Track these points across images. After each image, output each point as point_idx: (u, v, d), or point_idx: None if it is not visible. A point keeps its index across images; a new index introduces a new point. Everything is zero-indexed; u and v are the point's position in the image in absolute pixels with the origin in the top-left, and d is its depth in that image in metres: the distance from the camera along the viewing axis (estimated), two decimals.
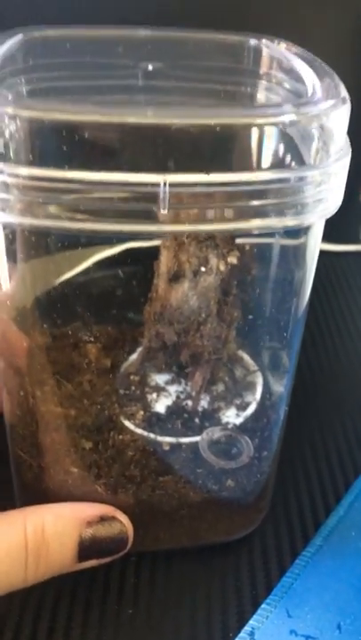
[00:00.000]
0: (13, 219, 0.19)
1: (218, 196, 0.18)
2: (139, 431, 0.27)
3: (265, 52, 0.26)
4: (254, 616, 0.26)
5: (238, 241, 0.24)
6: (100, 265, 0.28)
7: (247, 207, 0.19)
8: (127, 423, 0.27)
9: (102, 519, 0.23)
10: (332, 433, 0.34)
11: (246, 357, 0.27)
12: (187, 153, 0.18)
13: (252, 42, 0.26)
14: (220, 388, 0.27)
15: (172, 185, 0.17)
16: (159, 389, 0.27)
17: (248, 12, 0.40)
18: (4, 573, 0.22)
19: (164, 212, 0.18)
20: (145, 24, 0.27)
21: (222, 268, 0.23)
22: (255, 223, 0.19)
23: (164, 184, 0.17)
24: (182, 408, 0.27)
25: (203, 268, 0.24)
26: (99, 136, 0.19)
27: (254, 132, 0.19)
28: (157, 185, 0.17)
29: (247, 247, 0.23)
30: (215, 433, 0.27)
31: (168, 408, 0.27)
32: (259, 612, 0.26)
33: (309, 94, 0.21)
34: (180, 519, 0.26)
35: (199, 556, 0.28)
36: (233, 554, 0.28)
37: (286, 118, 0.19)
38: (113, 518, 0.23)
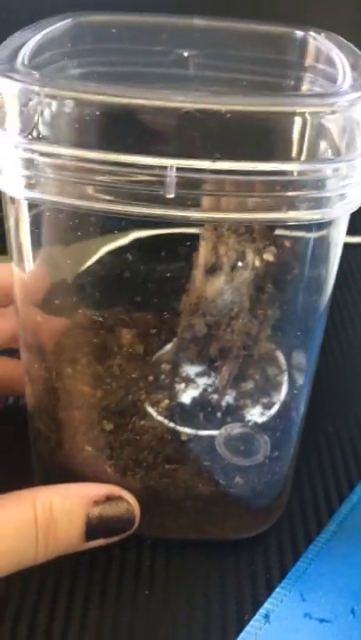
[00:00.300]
0: (36, 194, 0.19)
1: (228, 184, 0.18)
2: (160, 419, 0.27)
3: (311, 44, 0.25)
4: (269, 599, 0.27)
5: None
6: (142, 251, 0.28)
7: (261, 198, 0.19)
8: (150, 410, 0.27)
9: (109, 498, 0.24)
10: (346, 423, 0.35)
11: (280, 357, 0.28)
12: (214, 138, 0.18)
13: (299, 34, 0.26)
14: (250, 385, 0.27)
15: (179, 169, 0.18)
16: (188, 380, 0.28)
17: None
18: (15, 549, 0.22)
19: (170, 196, 0.18)
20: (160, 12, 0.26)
21: (258, 263, 0.23)
22: (273, 215, 0.19)
23: (171, 168, 0.18)
24: (208, 401, 0.27)
25: (240, 263, 0.24)
26: (125, 117, 0.19)
27: (277, 121, 0.19)
28: (164, 168, 0.18)
29: (287, 244, 0.23)
30: (234, 429, 0.27)
31: (193, 399, 0.28)
32: (273, 595, 0.27)
33: (339, 86, 0.20)
34: (187, 510, 0.27)
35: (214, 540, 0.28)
36: (247, 539, 0.29)
37: (311, 109, 0.19)
38: (119, 498, 0.24)
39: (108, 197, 0.19)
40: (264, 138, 0.19)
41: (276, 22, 0.26)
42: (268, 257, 0.23)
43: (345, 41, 0.24)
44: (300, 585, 0.27)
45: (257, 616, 0.26)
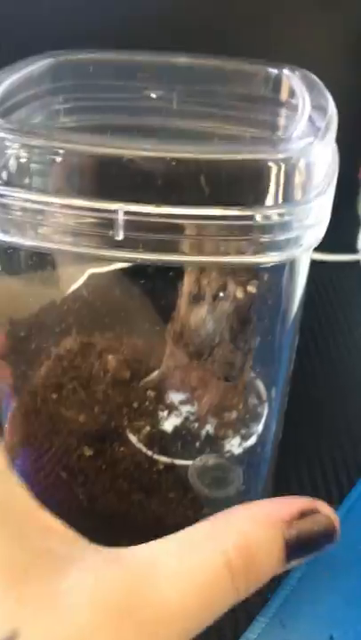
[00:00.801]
0: (6, 238, 0.20)
1: (173, 227, 0.19)
2: (139, 446, 0.27)
3: (284, 81, 0.26)
4: (249, 627, 0.27)
5: None
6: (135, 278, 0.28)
7: (210, 242, 0.19)
8: (131, 437, 0.28)
9: (303, 515, 0.21)
10: (328, 446, 0.35)
11: (260, 386, 0.28)
12: (169, 184, 0.19)
13: (272, 71, 0.27)
14: (233, 415, 0.27)
15: (127, 213, 0.19)
16: (172, 408, 0.28)
17: (247, 29, 0.41)
18: (210, 603, 0.19)
19: (118, 238, 0.19)
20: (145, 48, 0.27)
21: (240, 295, 0.24)
22: (221, 259, 0.19)
23: (119, 211, 0.19)
24: (188, 430, 0.28)
25: (221, 294, 0.24)
26: (80, 163, 0.20)
27: (230, 169, 0.19)
28: (115, 212, 0.19)
29: (266, 277, 0.24)
30: (209, 460, 0.27)
31: (175, 428, 0.28)
32: (254, 623, 0.27)
33: (291, 130, 0.21)
34: (155, 538, 0.27)
35: None
36: None
37: (260, 156, 0.19)
38: (313, 511, 0.22)
39: (63, 239, 0.20)
40: (217, 184, 0.19)
41: (251, 59, 0.27)
42: (252, 289, 0.24)
43: (316, 79, 0.25)
44: (281, 613, 0.27)
45: None
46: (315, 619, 0.27)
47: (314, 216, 0.20)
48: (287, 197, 0.19)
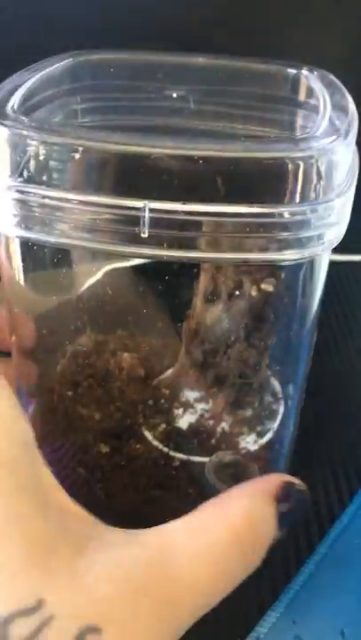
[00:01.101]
0: (28, 234, 0.21)
1: (198, 225, 0.19)
2: (155, 443, 0.27)
3: (303, 81, 0.26)
4: (260, 622, 0.27)
5: None
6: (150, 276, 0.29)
7: (233, 239, 0.19)
8: (147, 434, 0.28)
9: (284, 488, 0.23)
10: (337, 443, 0.35)
11: (276, 384, 0.28)
12: (193, 182, 0.19)
13: (291, 71, 0.27)
14: (248, 412, 0.27)
15: (153, 210, 0.19)
16: (187, 405, 0.28)
17: (263, 29, 0.41)
18: (226, 573, 0.21)
19: (144, 235, 0.19)
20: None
21: (254, 293, 0.24)
22: (245, 256, 0.20)
23: (144, 208, 0.19)
24: (203, 427, 0.28)
25: (237, 292, 0.24)
26: (106, 161, 0.20)
27: (252, 167, 0.20)
28: (141, 209, 0.19)
29: (283, 275, 0.24)
30: (226, 456, 0.27)
31: (190, 425, 0.28)
32: (265, 618, 0.27)
33: (314, 130, 0.21)
34: None
35: None
36: None
37: (282, 154, 0.19)
38: (290, 483, 0.23)
39: (86, 235, 0.20)
40: (239, 182, 0.20)
41: (269, 60, 0.27)
42: (267, 287, 0.24)
43: (335, 80, 0.25)
44: (291, 608, 0.28)
45: (248, 639, 0.26)
46: (326, 614, 0.27)
47: (335, 215, 0.20)
48: (309, 196, 0.20)
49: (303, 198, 0.20)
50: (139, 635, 0.18)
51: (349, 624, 0.27)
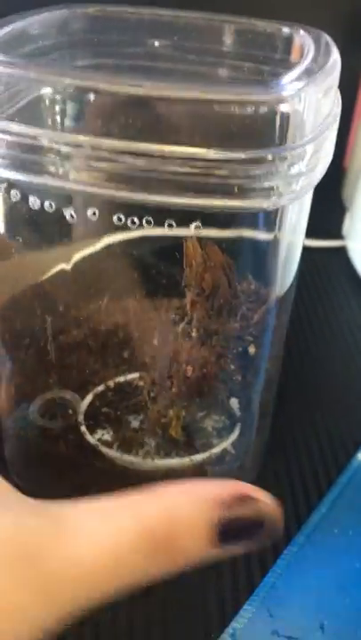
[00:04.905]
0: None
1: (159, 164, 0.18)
2: None
3: (297, 41, 0.25)
4: (236, 617, 0.25)
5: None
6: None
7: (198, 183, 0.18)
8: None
9: (241, 500, 0.20)
10: (314, 431, 0.34)
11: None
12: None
13: (285, 30, 0.26)
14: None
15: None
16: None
17: None
18: (123, 571, 0.19)
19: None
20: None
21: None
22: (214, 202, 0.19)
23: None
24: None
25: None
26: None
27: (217, 110, 0.19)
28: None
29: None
30: None
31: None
32: (240, 612, 0.26)
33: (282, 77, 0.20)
34: None
35: None
36: None
37: (249, 98, 0.19)
38: (251, 498, 0.21)
39: None
40: (211, 126, 0.19)
41: (267, 18, 0.26)
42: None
43: (329, 39, 0.24)
44: (268, 601, 0.26)
45: (224, 635, 0.25)
46: (304, 607, 0.26)
47: (304, 162, 0.19)
48: (271, 141, 0.19)
49: (265, 143, 0.19)
50: (4, 598, 0.17)
51: (329, 617, 0.26)
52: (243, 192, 0.19)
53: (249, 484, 0.21)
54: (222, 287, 0.24)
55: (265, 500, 0.21)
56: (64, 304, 0.27)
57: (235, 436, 0.27)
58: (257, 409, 0.27)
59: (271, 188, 0.19)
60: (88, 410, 0.29)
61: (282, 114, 0.19)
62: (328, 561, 0.28)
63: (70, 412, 0.29)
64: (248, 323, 0.24)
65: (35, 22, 0.25)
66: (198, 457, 0.27)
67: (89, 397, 0.29)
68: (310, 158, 0.20)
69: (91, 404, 0.29)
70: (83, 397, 0.29)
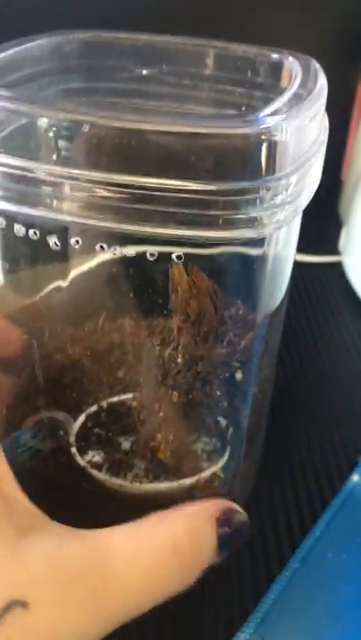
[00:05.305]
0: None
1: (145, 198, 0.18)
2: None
3: (286, 67, 0.25)
4: None
5: None
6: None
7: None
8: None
9: (225, 513, 0.23)
10: (310, 453, 0.34)
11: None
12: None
13: (275, 56, 0.26)
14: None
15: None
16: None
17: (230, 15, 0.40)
18: (159, 580, 0.21)
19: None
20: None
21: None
22: (198, 233, 0.19)
23: None
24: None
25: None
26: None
27: (194, 144, 0.19)
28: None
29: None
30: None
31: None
32: (234, 639, 0.25)
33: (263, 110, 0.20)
34: None
35: None
36: (208, 580, 0.27)
37: (225, 132, 0.19)
38: (234, 510, 0.24)
39: None
40: (194, 159, 0.19)
41: (256, 44, 0.26)
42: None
43: (317, 66, 0.24)
44: (262, 626, 0.26)
45: None
46: (297, 633, 0.26)
47: (286, 193, 0.19)
48: (252, 173, 0.19)
49: (249, 175, 0.19)
50: (64, 619, 0.19)
51: None
52: (227, 223, 0.19)
53: (224, 500, 0.24)
54: (208, 313, 0.24)
55: (240, 510, 0.24)
56: (56, 324, 0.27)
57: (224, 460, 0.27)
58: (245, 433, 0.27)
59: (255, 219, 0.19)
60: (80, 431, 0.29)
61: (264, 145, 0.19)
62: (322, 586, 0.27)
63: (62, 432, 0.29)
64: (235, 348, 0.24)
65: (28, 49, 0.25)
66: (187, 481, 0.27)
67: (81, 418, 0.29)
68: (295, 186, 0.20)
69: (83, 425, 0.29)
70: (75, 418, 0.29)
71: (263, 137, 0.18)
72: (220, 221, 0.18)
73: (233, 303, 0.25)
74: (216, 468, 0.27)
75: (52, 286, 0.27)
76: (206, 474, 0.27)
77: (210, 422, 0.27)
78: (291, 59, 0.25)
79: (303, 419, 0.36)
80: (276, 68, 0.26)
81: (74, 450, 0.28)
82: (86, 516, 0.21)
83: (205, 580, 0.27)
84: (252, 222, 0.19)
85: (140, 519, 0.22)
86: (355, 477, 0.32)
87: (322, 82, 0.22)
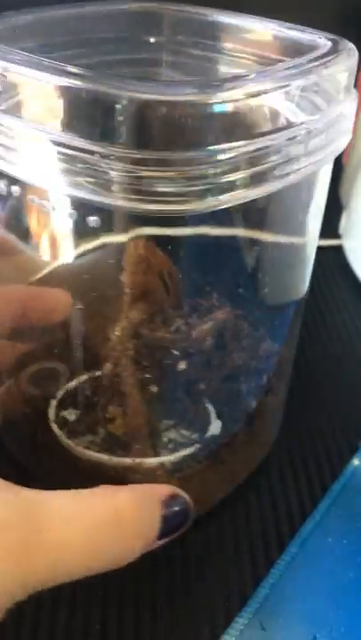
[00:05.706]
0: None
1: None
2: None
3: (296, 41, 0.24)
4: (227, 630, 0.25)
5: None
6: None
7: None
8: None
9: (172, 497, 0.24)
10: (310, 439, 0.33)
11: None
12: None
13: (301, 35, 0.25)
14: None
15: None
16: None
17: None
18: (99, 547, 0.21)
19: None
20: None
21: None
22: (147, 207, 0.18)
23: None
24: None
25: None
26: None
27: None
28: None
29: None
30: None
31: None
32: (232, 625, 0.25)
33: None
34: None
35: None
36: (206, 565, 0.27)
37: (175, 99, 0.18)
38: (179, 496, 0.24)
39: None
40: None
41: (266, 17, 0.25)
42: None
43: (347, 44, 0.23)
44: (260, 613, 0.26)
45: None
46: (296, 619, 0.25)
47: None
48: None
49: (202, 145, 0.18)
50: None
51: (322, 629, 0.25)
52: (175, 195, 0.18)
53: (170, 486, 0.24)
54: (157, 293, 0.23)
55: (187, 499, 0.24)
56: None
57: (187, 452, 0.27)
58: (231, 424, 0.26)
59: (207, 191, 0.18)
60: (70, 389, 0.28)
61: (217, 113, 0.18)
62: (321, 571, 0.27)
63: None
64: (183, 337, 0.23)
65: (36, 18, 0.24)
66: (146, 461, 0.26)
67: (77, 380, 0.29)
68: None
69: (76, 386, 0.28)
70: (72, 376, 0.29)
71: (215, 106, 0.17)
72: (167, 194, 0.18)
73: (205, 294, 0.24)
74: (174, 457, 0.27)
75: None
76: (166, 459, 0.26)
77: (188, 409, 0.26)
78: (309, 33, 0.24)
79: (302, 403, 0.35)
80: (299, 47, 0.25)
81: (54, 402, 0.28)
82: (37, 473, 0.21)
83: (204, 566, 0.27)
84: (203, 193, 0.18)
85: (88, 489, 0.22)
86: (355, 462, 0.32)
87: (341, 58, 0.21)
